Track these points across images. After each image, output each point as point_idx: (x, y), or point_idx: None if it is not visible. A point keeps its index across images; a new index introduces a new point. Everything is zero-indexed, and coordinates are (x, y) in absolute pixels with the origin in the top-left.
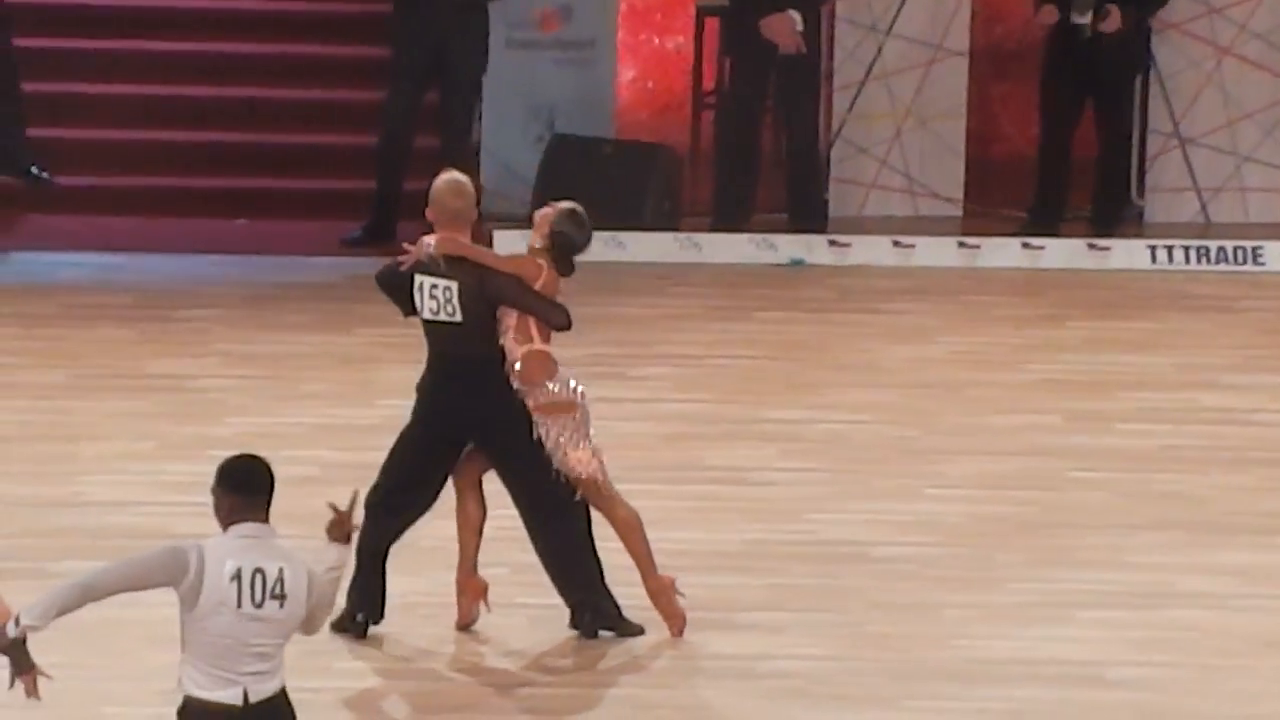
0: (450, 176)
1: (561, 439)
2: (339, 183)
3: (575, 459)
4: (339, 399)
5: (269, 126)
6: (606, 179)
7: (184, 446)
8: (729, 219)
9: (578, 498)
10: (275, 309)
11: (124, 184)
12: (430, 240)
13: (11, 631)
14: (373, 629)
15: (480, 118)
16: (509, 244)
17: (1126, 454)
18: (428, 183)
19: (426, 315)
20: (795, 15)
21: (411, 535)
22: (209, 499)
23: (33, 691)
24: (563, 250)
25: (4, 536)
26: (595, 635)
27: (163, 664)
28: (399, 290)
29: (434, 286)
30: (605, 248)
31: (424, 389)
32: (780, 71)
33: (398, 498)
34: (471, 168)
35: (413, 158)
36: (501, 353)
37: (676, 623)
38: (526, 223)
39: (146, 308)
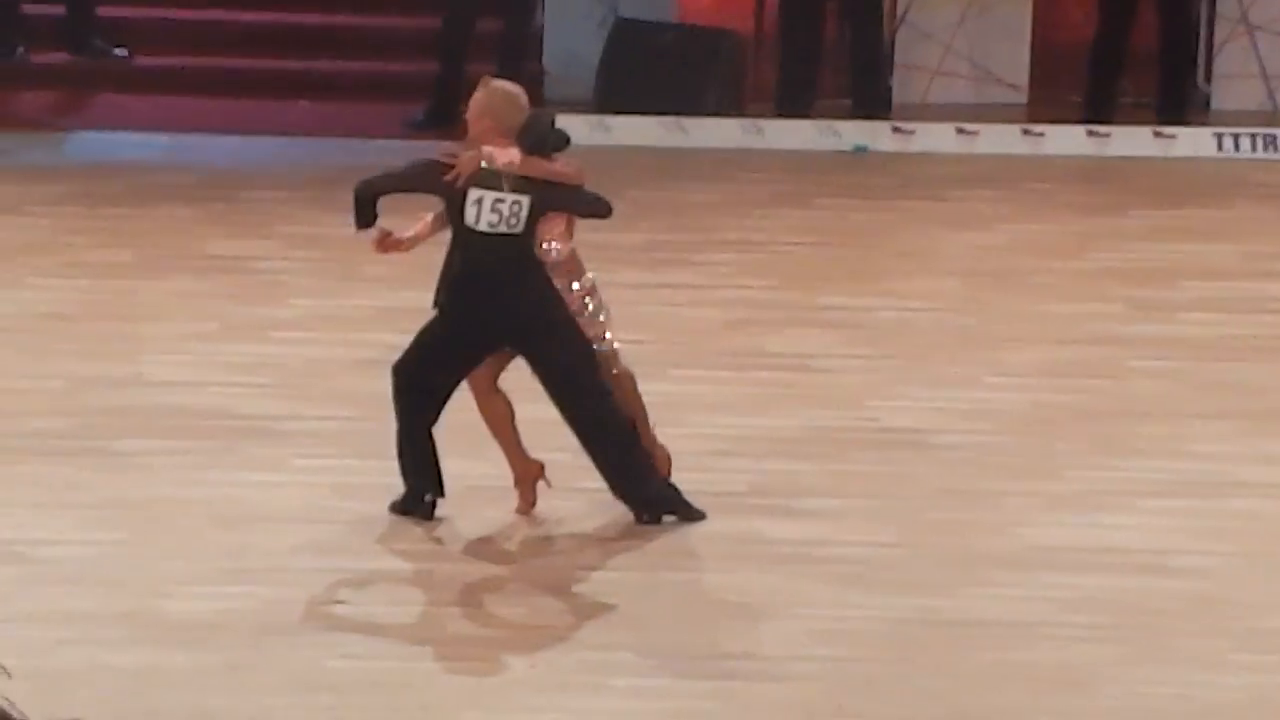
0: (508, 88)
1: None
2: (402, 65)
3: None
4: (401, 282)
5: (334, 8)
6: (669, 64)
7: (246, 327)
8: (792, 105)
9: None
10: (338, 191)
11: (190, 64)
12: (492, 153)
13: None
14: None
15: (543, 1)
16: (572, 129)
17: (1189, 343)
18: (490, 67)
19: (484, 228)
20: None
21: (471, 418)
22: (270, 380)
23: None
24: (540, 138)
25: (67, 415)
26: (659, 521)
27: (225, 543)
28: (446, 201)
29: (499, 201)
30: (668, 133)
31: (460, 295)
32: None
33: (427, 381)
34: (533, 51)
35: (475, 41)
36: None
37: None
38: (589, 108)
39: (211, 188)
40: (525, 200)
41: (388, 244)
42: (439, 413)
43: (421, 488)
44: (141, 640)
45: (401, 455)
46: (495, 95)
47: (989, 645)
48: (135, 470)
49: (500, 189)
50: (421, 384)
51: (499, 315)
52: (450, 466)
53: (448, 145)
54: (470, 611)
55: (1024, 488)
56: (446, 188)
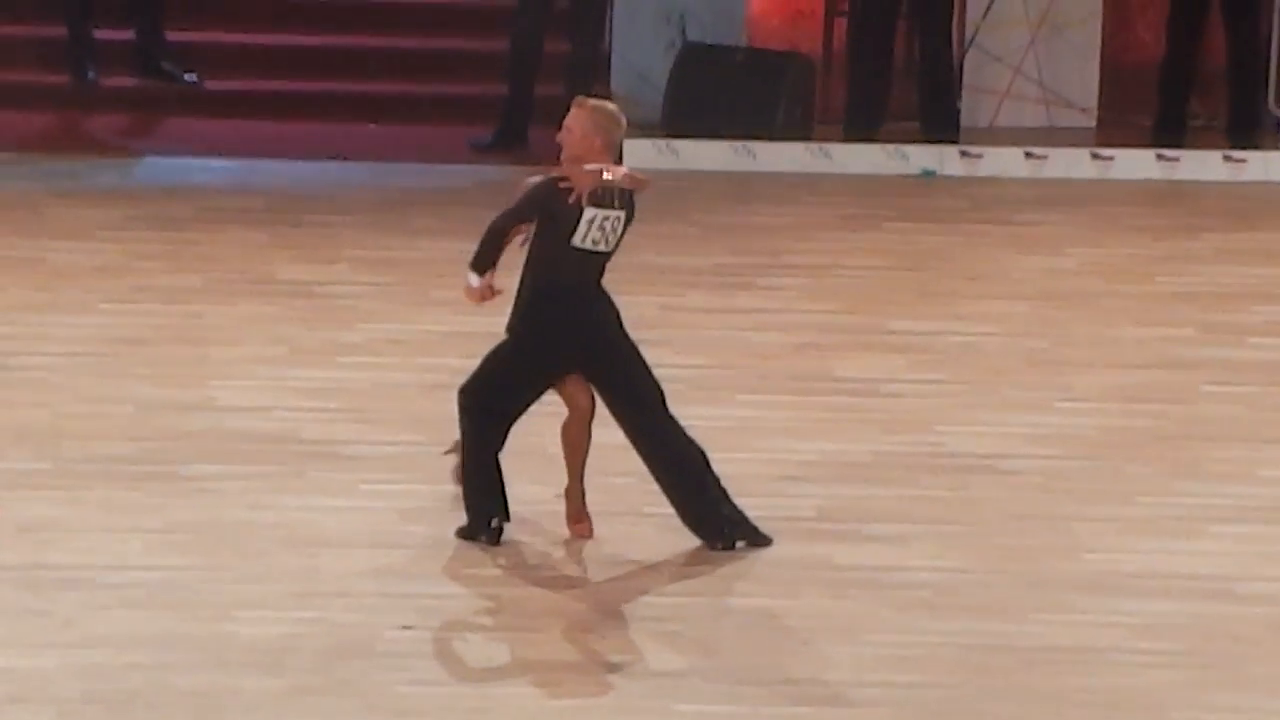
0: (609, 106)
1: None
2: (470, 88)
3: None
4: (469, 306)
5: (401, 31)
6: (738, 87)
7: (314, 352)
8: (861, 128)
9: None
10: (406, 215)
11: (257, 88)
12: (606, 170)
13: None
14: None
15: (611, 23)
16: (640, 153)
17: (1260, 367)
18: (559, 89)
19: (588, 246)
20: None
21: (537, 442)
22: (338, 404)
23: None
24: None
25: (136, 439)
26: (732, 546)
27: (295, 567)
28: (556, 222)
29: (606, 219)
30: (736, 156)
31: (540, 314)
32: None
33: (496, 404)
34: (602, 74)
35: (543, 63)
36: None
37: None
38: (657, 131)
39: (280, 212)
40: (623, 216)
41: (488, 294)
42: (505, 437)
43: (488, 512)
44: (211, 664)
45: (467, 479)
46: (601, 114)
47: (1059, 671)
48: (204, 494)
49: (612, 206)
50: (489, 407)
51: (574, 335)
52: (515, 491)
53: (554, 170)
54: (536, 636)
55: (1094, 513)
56: (565, 209)
